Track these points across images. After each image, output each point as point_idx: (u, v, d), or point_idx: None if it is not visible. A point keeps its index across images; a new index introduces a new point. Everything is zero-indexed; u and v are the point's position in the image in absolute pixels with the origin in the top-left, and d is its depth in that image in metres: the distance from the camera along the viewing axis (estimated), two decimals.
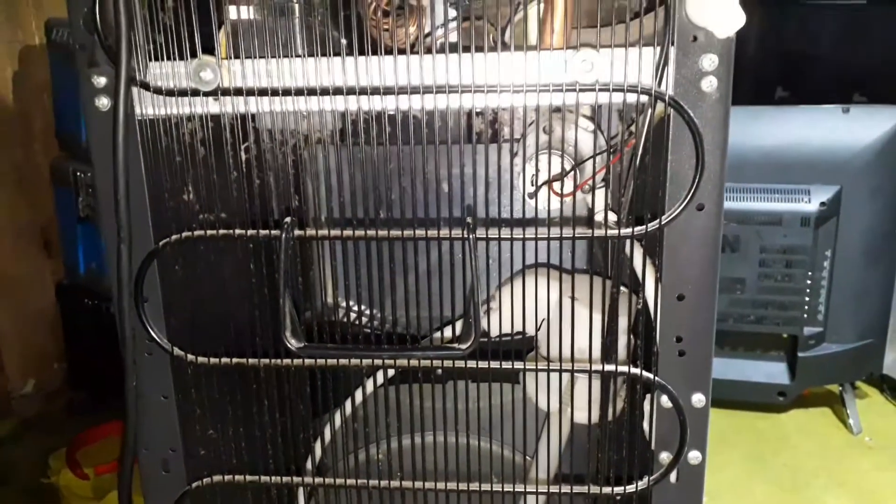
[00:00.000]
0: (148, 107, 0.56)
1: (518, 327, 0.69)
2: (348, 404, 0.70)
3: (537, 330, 0.71)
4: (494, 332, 0.70)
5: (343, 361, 0.60)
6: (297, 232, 0.56)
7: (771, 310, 1.57)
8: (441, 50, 0.53)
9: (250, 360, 0.61)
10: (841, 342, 1.58)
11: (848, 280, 1.56)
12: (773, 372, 1.61)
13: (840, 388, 1.63)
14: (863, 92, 1.77)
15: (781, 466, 1.46)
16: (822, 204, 1.54)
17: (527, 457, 0.78)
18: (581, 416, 0.66)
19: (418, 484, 0.63)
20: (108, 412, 1.46)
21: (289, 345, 0.57)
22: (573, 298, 0.67)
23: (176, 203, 0.58)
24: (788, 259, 1.55)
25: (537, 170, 0.62)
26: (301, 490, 0.70)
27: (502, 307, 0.73)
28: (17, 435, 1.64)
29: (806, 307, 1.56)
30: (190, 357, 0.61)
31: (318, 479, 0.65)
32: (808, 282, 1.55)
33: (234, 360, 0.61)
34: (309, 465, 0.70)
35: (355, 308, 0.75)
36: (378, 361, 0.59)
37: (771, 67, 1.92)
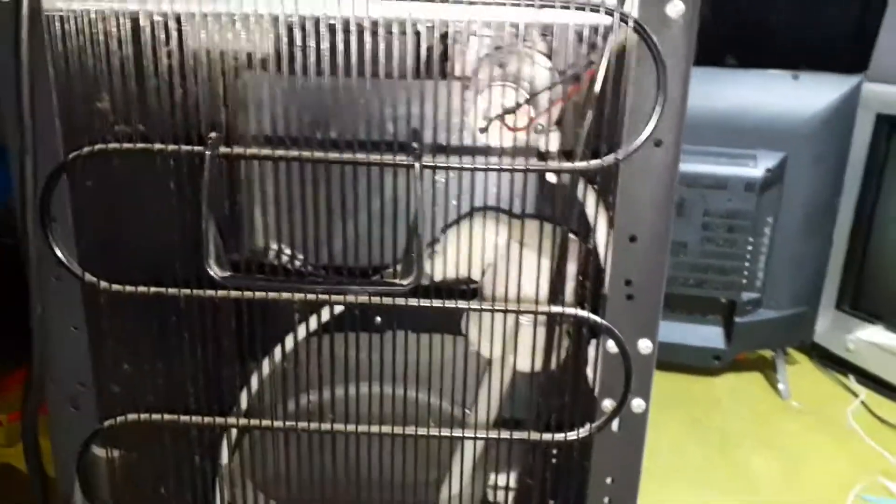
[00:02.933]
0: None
1: (462, 272, 0.66)
2: (279, 350, 0.66)
3: (483, 275, 0.68)
4: (437, 277, 0.67)
5: (273, 296, 0.55)
6: (223, 149, 0.51)
7: (711, 274, 1.58)
8: None
9: (170, 290, 0.56)
10: (776, 309, 1.61)
11: (786, 247, 1.58)
12: (709, 336, 1.63)
13: (773, 354, 1.66)
14: (812, 60, 1.78)
15: (712, 429, 1.48)
16: (768, 170, 1.54)
17: (466, 410, 0.75)
18: (524, 364, 0.64)
19: (351, 427, 0.59)
20: (22, 357, 1.38)
21: (212, 273, 0.52)
22: (521, 243, 0.64)
23: (89, 112, 0.52)
24: (731, 224, 1.56)
25: (490, 103, 0.58)
26: (226, 433, 0.66)
27: (447, 251, 0.69)
28: None
29: (745, 273, 1.57)
30: (103, 284, 0.56)
31: (245, 421, 0.61)
32: (749, 248, 1.56)
33: (153, 288, 0.56)
34: (235, 406, 0.65)
35: (287, 249, 0.70)
36: (311, 297, 0.55)
37: (723, 31, 1.90)
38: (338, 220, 0.56)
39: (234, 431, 0.66)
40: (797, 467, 1.35)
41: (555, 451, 0.60)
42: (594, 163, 0.51)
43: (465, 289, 0.67)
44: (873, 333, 1.64)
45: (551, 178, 0.67)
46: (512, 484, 0.75)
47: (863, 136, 1.64)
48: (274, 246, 0.73)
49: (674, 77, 0.50)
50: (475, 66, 0.57)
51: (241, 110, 0.54)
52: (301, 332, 0.68)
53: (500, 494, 0.79)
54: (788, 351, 1.70)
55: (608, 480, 0.59)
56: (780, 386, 1.60)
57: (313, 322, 0.66)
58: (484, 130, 0.60)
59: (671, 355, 1.60)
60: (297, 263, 0.70)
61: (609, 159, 0.51)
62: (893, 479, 1.29)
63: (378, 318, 0.86)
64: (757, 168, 1.54)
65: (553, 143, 0.59)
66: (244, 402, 0.66)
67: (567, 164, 0.52)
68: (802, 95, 1.57)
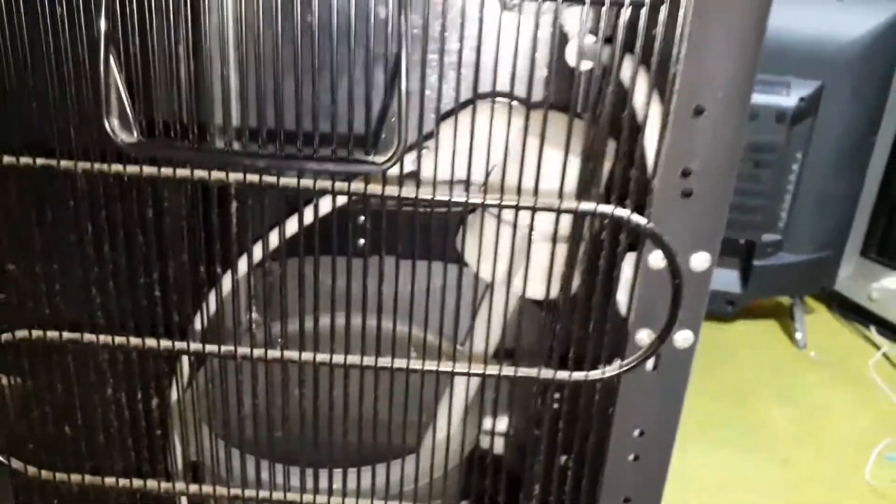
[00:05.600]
0: None
1: (461, 174, 0.51)
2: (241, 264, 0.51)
3: (488, 175, 0.53)
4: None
5: (201, 174, 0.40)
6: None
7: (730, 213, 1.44)
8: None
9: (63, 162, 0.41)
10: (798, 252, 1.48)
11: (814, 187, 1.44)
12: (724, 279, 1.50)
13: (791, 301, 1.54)
14: None
15: (725, 378, 1.37)
16: (802, 99, 1.39)
17: (458, 346, 0.61)
18: (535, 290, 0.49)
19: (322, 357, 0.45)
20: None
21: (112, 135, 0.37)
22: (542, 136, 0.48)
23: None
24: (757, 158, 1.41)
25: None
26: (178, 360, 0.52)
27: (442, 148, 0.54)
28: None
29: (768, 212, 1.44)
30: None
31: (167, 344, 0.46)
32: (774, 185, 1.42)
33: (39, 160, 0.41)
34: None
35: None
36: (252, 177, 0.40)
37: None
38: (295, 76, 0.40)
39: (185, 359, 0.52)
40: (817, 422, 1.24)
41: (566, 394, 0.46)
42: None
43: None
44: None
45: (571, 57, 0.51)
46: (511, 431, 0.62)
47: None
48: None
49: None
50: None
51: None
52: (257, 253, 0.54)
53: (497, 442, 0.66)
54: (806, 299, 1.59)
55: (636, 433, 0.46)
56: (798, 335, 1.48)
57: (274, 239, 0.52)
58: None
59: None
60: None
61: None
62: None
63: (362, 241, 0.71)
64: (790, 97, 1.38)
65: None
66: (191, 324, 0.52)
67: None
68: (845, 19, 1.41)
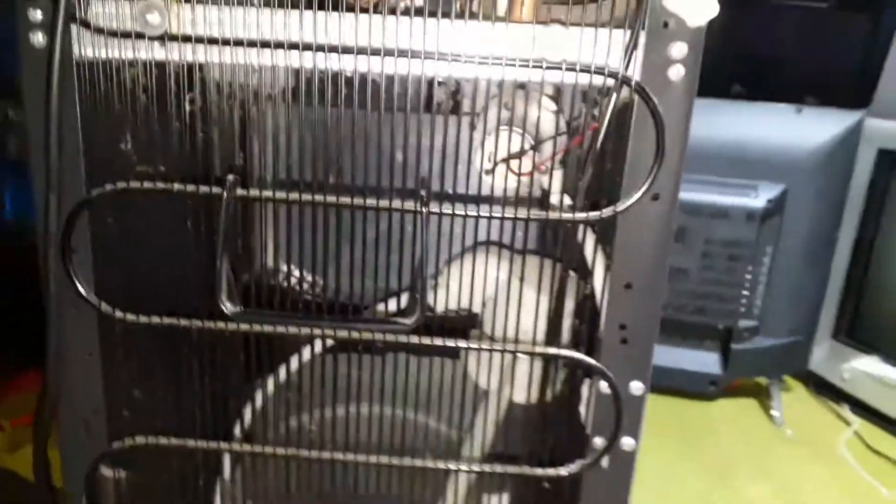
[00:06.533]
0: (87, 47, 0.52)
1: (463, 304, 0.68)
2: (281, 371, 0.68)
3: (483, 308, 0.70)
4: (439, 309, 0.69)
5: (280, 329, 0.58)
6: (239, 191, 0.54)
7: (709, 301, 1.60)
8: (406, 12, 0.51)
9: (183, 322, 0.58)
10: (773, 337, 1.62)
11: (785, 277, 1.59)
12: (705, 361, 1.65)
13: (768, 381, 1.68)
14: (816, 94, 1.80)
15: (707, 454, 1.49)
16: (769, 201, 1.56)
17: (461, 435, 0.77)
18: (520, 397, 0.66)
19: (348, 456, 0.61)
20: (26, 363, 1.39)
21: (223, 308, 0.55)
22: (521, 279, 0.66)
23: (113, 152, 0.55)
24: (731, 252, 1.57)
25: (496, 146, 0.60)
26: (227, 456, 0.68)
27: (449, 283, 0.72)
28: None
29: (743, 301, 1.59)
30: (118, 314, 0.58)
31: (246, 446, 0.63)
32: (748, 276, 1.58)
33: (166, 319, 0.58)
34: (238, 432, 0.67)
35: (296, 274, 0.72)
36: (317, 331, 0.57)
37: (730, 63, 1.93)
38: (346, 253, 0.58)
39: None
40: (791, 497, 1.36)
41: (547, 485, 0.62)
42: (593, 214, 0.54)
43: (465, 317, 0.69)
44: (868, 364, 1.65)
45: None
46: None
47: (864, 170, 1.65)
48: (283, 268, 0.75)
49: (672, 135, 0.52)
50: (483, 105, 0.60)
51: (258, 154, 0.57)
52: (305, 356, 0.71)
53: None
54: (784, 378, 1.72)
55: None
56: (775, 413, 1.61)
57: (317, 347, 0.69)
58: (489, 173, 0.63)
59: (667, 379, 1.61)
60: (305, 286, 0.72)
61: (608, 211, 0.54)
62: None
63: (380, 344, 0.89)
64: (758, 199, 1.55)
65: (556, 184, 0.62)
66: (246, 425, 0.68)
67: (567, 215, 0.54)
68: (805, 129, 1.59)
